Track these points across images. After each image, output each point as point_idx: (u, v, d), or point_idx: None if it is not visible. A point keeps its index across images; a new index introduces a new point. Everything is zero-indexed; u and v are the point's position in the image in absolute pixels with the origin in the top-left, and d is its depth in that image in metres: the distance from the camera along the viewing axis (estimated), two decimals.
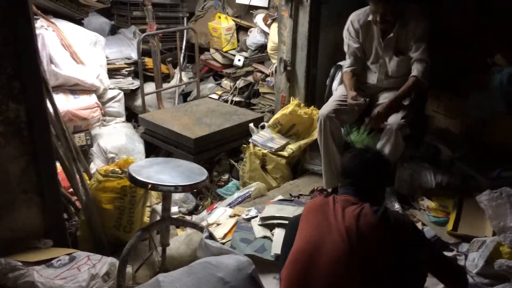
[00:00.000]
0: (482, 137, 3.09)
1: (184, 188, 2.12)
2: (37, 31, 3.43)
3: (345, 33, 2.95)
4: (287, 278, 1.68)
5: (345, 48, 2.99)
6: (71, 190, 2.69)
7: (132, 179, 2.12)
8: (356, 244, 1.61)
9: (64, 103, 3.56)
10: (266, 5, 4.32)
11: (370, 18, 2.77)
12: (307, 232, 1.71)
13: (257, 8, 4.39)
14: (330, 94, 3.25)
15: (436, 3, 3.21)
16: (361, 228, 1.62)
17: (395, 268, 1.63)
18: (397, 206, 2.79)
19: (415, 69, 2.73)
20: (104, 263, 2.14)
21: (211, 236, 2.15)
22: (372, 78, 2.97)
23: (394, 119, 2.67)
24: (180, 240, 2.47)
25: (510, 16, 3.04)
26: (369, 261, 1.61)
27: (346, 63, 3.00)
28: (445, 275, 1.78)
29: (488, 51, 3.19)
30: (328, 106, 2.87)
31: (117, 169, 2.65)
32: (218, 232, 2.61)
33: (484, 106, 3.01)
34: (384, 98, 2.86)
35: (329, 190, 3.04)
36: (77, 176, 2.57)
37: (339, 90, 3.03)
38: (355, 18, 2.87)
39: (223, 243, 2.49)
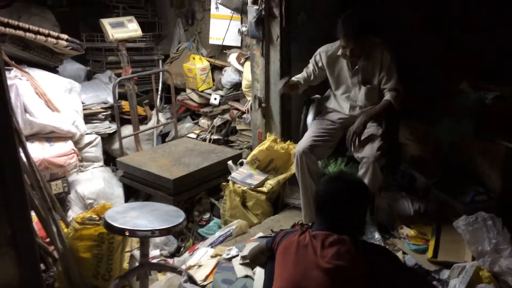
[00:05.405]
0: (453, 162, 3.17)
1: (161, 232, 2.10)
2: (11, 81, 3.44)
3: (312, 59, 3.12)
4: None
5: (307, 67, 3.15)
6: (48, 240, 2.64)
7: (108, 226, 2.10)
8: (341, 282, 1.60)
9: (39, 151, 3.53)
10: (239, 45, 4.42)
11: (339, 52, 2.93)
12: (288, 272, 1.66)
13: (230, 47, 4.48)
14: (305, 128, 3.30)
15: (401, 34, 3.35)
16: (345, 266, 1.61)
17: None
18: (377, 236, 2.80)
19: (388, 95, 2.86)
20: None
21: (190, 279, 2.13)
22: (344, 108, 3.07)
23: (370, 152, 2.74)
24: (160, 285, 2.43)
25: (474, 46, 3.19)
26: None
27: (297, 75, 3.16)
28: None
29: (454, 79, 3.32)
30: (304, 142, 2.95)
31: (94, 216, 2.61)
32: (200, 274, 2.57)
33: (453, 131, 3.10)
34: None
35: (310, 224, 3.05)
36: (53, 226, 2.53)
37: (314, 125, 3.11)
38: (324, 49, 3.04)
39: (205, 286, 2.46)
